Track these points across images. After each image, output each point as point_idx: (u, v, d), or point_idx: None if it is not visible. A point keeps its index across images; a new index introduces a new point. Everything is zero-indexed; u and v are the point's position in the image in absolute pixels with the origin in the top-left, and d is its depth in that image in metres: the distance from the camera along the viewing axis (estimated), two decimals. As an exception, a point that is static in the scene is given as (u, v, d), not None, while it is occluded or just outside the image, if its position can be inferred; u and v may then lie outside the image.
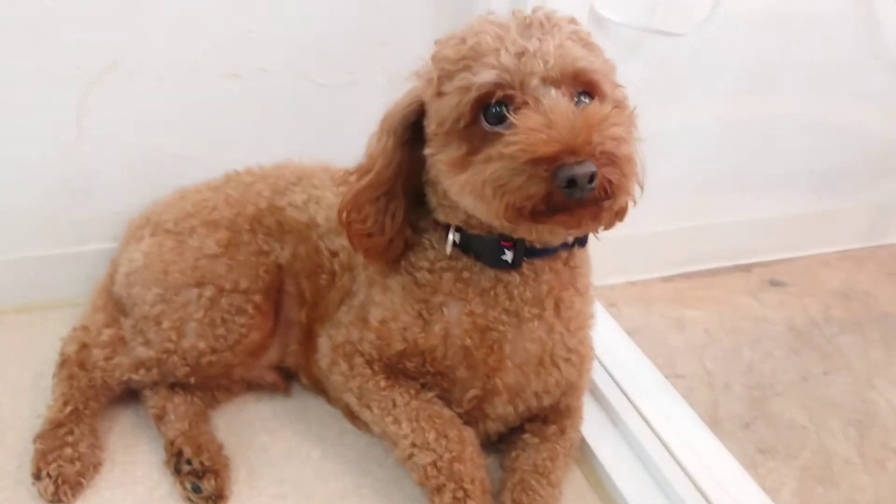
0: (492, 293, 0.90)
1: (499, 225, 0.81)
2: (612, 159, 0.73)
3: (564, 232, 0.86)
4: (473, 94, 0.76)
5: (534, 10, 0.82)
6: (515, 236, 0.87)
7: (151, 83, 1.21)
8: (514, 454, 1.00)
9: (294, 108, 1.30)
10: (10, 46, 1.12)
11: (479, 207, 0.79)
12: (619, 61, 1.34)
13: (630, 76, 1.37)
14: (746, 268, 1.69)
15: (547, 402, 0.99)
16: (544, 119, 0.73)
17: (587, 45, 0.82)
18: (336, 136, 1.33)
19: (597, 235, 0.91)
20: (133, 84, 1.20)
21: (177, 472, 0.98)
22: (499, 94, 0.76)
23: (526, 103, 0.75)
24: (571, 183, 0.70)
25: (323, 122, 1.33)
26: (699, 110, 1.48)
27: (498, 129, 0.76)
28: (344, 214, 0.91)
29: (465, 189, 0.79)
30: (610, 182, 0.73)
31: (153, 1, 1.15)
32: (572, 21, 0.83)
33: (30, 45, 1.13)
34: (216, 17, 1.19)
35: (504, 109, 0.76)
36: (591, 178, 0.71)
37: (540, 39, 0.77)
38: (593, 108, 0.75)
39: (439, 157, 0.82)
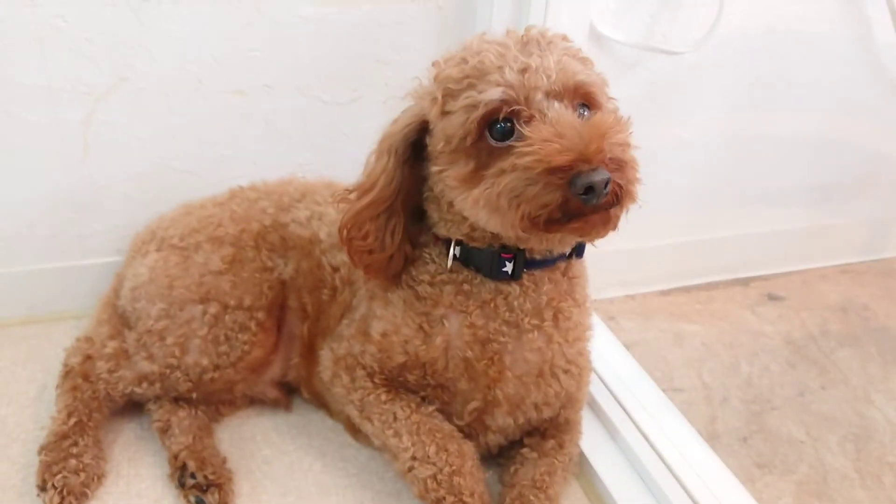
0: (492, 305, 0.92)
1: (513, 236, 0.83)
2: (620, 165, 0.75)
3: (576, 239, 0.87)
4: (480, 111, 0.78)
5: (527, 29, 0.84)
6: (525, 247, 0.88)
7: (157, 100, 1.22)
8: (512, 469, 1.02)
9: (298, 125, 1.32)
10: (19, 63, 1.14)
11: (493, 220, 0.81)
12: (619, 78, 1.38)
13: (630, 93, 1.40)
14: (744, 282, 1.70)
15: (547, 414, 1.00)
16: (555, 130, 0.75)
17: (581, 59, 0.85)
18: (339, 153, 1.35)
19: (594, 244, 0.92)
20: (139, 101, 1.22)
21: (181, 485, 0.99)
22: (505, 110, 0.78)
23: (533, 117, 0.77)
24: (588, 190, 0.73)
25: (326, 139, 1.34)
26: (697, 126, 1.49)
27: (505, 144, 0.78)
28: (344, 232, 0.92)
29: (478, 203, 0.80)
30: (620, 187, 0.75)
31: (160, 20, 1.17)
32: (564, 38, 0.85)
33: (38, 63, 1.15)
34: (222, 35, 1.20)
35: (510, 125, 0.78)
36: (606, 184, 0.73)
37: (540, 56, 0.79)
38: (599, 117, 0.77)
39: (448, 174, 0.83)
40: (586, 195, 0.73)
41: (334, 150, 1.35)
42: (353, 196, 0.92)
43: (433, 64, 0.87)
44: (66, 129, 1.21)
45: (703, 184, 1.57)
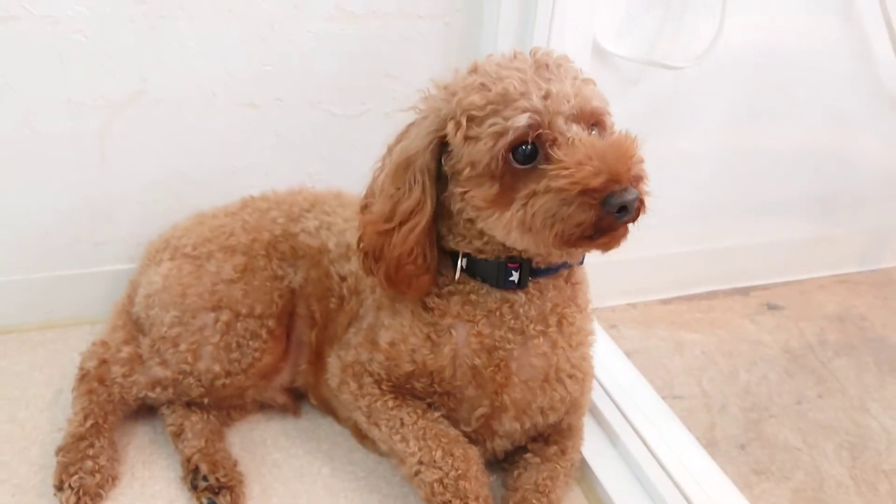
0: (497, 313, 0.94)
1: (544, 252, 0.87)
2: (638, 181, 0.80)
3: (601, 252, 0.89)
4: (510, 137, 0.81)
5: (533, 52, 0.88)
6: (547, 261, 0.92)
7: (172, 112, 1.25)
8: (516, 473, 1.04)
9: (308, 137, 1.35)
10: (40, 77, 1.17)
11: (526, 239, 0.84)
12: (622, 93, 1.40)
13: (632, 107, 1.43)
14: (744, 291, 1.72)
15: (552, 419, 1.02)
16: (586, 153, 0.78)
17: (586, 80, 0.88)
18: (348, 163, 1.38)
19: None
20: (154, 113, 1.25)
21: (193, 487, 1.01)
22: (531, 135, 0.81)
23: (556, 140, 0.81)
24: (622, 208, 0.77)
25: (335, 150, 1.37)
26: (698, 139, 1.52)
27: (529, 166, 0.81)
28: (392, 263, 0.91)
29: (511, 223, 0.83)
30: (641, 202, 0.80)
31: (176, 35, 1.20)
32: (567, 59, 0.89)
33: (59, 76, 1.18)
34: (235, 50, 1.23)
35: (532, 148, 0.81)
36: (636, 201, 0.78)
37: (558, 81, 0.83)
38: (622, 138, 0.81)
39: (473, 195, 0.86)
40: (619, 213, 0.77)
41: (343, 161, 1.38)
42: (388, 225, 0.90)
43: (445, 87, 0.89)
44: (83, 140, 1.24)
45: (703, 195, 1.59)
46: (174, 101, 1.25)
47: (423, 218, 0.89)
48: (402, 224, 0.90)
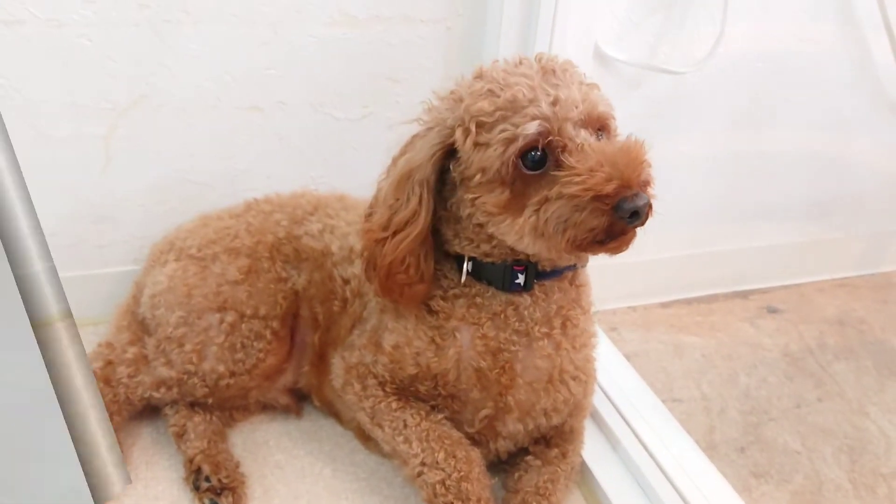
0: (502, 316, 0.95)
1: (555, 257, 0.88)
2: (647, 186, 0.81)
3: (610, 255, 0.90)
4: (520, 143, 0.81)
5: (538, 58, 0.88)
6: (560, 263, 0.93)
7: (176, 115, 1.26)
8: (517, 475, 1.05)
9: (310, 140, 1.35)
10: (46, 80, 1.18)
11: (538, 244, 0.85)
12: (623, 97, 1.41)
13: (633, 111, 1.44)
14: (744, 294, 1.73)
15: (555, 420, 1.03)
16: (598, 159, 0.79)
17: (591, 85, 0.89)
18: (350, 167, 1.38)
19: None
20: (159, 116, 1.25)
21: (196, 488, 1.03)
22: (541, 141, 0.81)
23: (566, 146, 0.81)
24: (634, 213, 0.78)
25: (337, 153, 1.38)
26: (699, 143, 1.52)
27: (539, 172, 0.82)
28: (381, 272, 0.92)
29: (524, 229, 0.84)
30: (650, 206, 0.80)
31: (181, 39, 1.21)
32: (571, 64, 0.90)
33: (63, 79, 1.19)
34: (238, 54, 1.24)
35: (541, 154, 0.82)
36: (646, 206, 0.79)
37: (566, 87, 0.84)
38: (629, 144, 0.82)
39: (484, 201, 0.86)
40: (630, 218, 0.78)
41: (345, 164, 1.38)
42: (384, 234, 0.91)
43: (451, 93, 0.90)
44: (88, 143, 1.25)
45: (704, 198, 1.60)
46: (177, 104, 1.26)
47: (416, 229, 0.90)
48: (395, 234, 0.91)
